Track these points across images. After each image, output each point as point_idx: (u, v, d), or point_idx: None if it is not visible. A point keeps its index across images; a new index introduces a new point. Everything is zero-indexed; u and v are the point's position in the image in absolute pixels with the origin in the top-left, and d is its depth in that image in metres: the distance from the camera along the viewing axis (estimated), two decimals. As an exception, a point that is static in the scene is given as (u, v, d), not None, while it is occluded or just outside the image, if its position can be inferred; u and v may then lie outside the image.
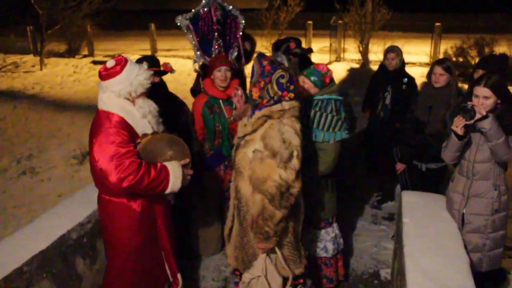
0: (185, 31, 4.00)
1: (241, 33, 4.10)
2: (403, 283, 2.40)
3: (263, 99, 2.43)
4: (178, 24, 4.00)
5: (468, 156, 2.88)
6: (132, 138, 2.54)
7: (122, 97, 2.57)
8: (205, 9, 3.81)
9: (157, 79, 3.26)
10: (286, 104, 2.42)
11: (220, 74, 3.50)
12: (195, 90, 4.30)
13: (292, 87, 2.41)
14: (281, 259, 2.61)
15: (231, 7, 3.97)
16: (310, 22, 14.66)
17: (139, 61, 3.13)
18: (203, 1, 3.85)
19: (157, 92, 3.05)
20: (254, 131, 2.45)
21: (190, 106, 3.74)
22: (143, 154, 2.54)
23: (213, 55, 3.94)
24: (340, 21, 14.10)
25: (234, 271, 3.00)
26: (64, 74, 12.90)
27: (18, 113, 9.11)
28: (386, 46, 12.64)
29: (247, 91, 2.62)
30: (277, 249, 2.58)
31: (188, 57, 13.74)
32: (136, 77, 2.55)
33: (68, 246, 2.93)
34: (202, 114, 3.62)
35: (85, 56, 15.81)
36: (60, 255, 2.87)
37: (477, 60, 10.77)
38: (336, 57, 14.20)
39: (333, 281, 3.36)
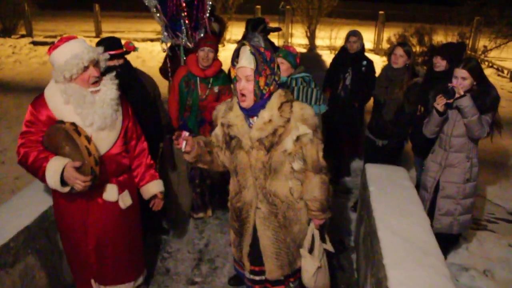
0: (153, 11, 4.03)
1: (208, 15, 4.20)
2: (375, 242, 2.68)
3: (270, 86, 2.22)
4: (146, 4, 4.02)
5: (446, 131, 3.30)
6: (48, 121, 2.43)
7: (54, 79, 2.44)
8: None
9: (120, 61, 3.20)
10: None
11: (203, 54, 3.64)
12: (164, 69, 4.40)
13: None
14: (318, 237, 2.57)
15: None
16: (258, 6, 14.80)
17: (99, 43, 3.07)
18: None
19: (123, 72, 3.00)
20: (288, 120, 2.23)
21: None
22: (47, 140, 2.44)
23: (182, 34, 4.04)
24: (288, 7, 14.39)
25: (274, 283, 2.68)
26: (1, 55, 12.19)
27: (-44, 95, 8.58)
28: (332, 32, 13.18)
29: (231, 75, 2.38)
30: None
31: (135, 39, 13.45)
32: (65, 60, 2.36)
33: (50, 222, 2.95)
34: (179, 85, 3.79)
35: (23, 36, 14.98)
36: (43, 231, 2.90)
37: (418, 47, 11.49)
38: (284, 41, 14.48)
39: None
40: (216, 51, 3.74)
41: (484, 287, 3.45)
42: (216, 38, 4.07)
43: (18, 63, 11.44)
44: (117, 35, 15.04)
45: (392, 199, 3.09)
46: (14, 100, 8.29)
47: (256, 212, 2.43)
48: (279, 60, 3.11)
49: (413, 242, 2.57)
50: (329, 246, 2.68)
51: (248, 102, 2.20)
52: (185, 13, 3.98)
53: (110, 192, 2.65)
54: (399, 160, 4.32)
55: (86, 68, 2.40)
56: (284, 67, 3.12)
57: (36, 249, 2.81)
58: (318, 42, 14.10)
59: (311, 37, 14.13)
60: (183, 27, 4.01)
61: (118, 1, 18.52)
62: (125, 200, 2.73)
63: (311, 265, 2.54)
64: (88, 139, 2.36)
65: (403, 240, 2.58)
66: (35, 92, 8.58)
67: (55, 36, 14.67)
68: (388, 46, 12.76)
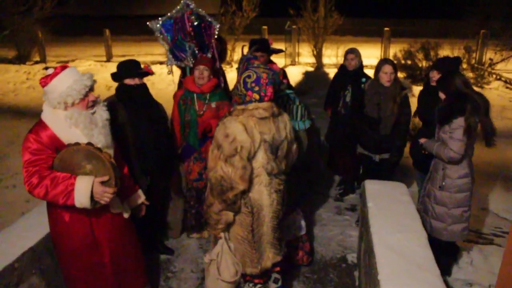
0: (157, 35, 4.17)
1: (215, 37, 4.34)
2: (372, 258, 2.70)
3: (235, 96, 2.68)
4: (150, 27, 4.17)
5: None
6: (54, 146, 2.53)
7: (53, 106, 2.54)
8: (179, 15, 4.01)
9: (140, 81, 3.40)
10: (250, 105, 2.58)
11: (198, 72, 3.82)
12: None
13: (256, 88, 2.56)
14: (228, 250, 2.78)
15: (204, 13, 4.18)
16: (265, 27, 15.02)
17: (120, 64, 3.37)
18: (178, 7, 4.04)
19: (141, 93, 3.30)
20: (217, 125, 2.68)
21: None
22: (60, 164, 2.52)
23: (187, 59, 4.18)
24: (294, 26, 14.58)
25: None
26: (16, 81, 12.53)
27: (-29, 121, 8.83)
28: (339, 50, 13.32)
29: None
30: (224, 239, 2.78)
31: (144, 62, 13.71)
32: (66, 87, 2.50)
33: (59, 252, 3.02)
34: (178, 104, 3.95)
35: (36, 62, 15.38)
36: (47, 252, 2.97)
37: (424, 62, 11.54)
38: (291, 61, 14.64)
39: (311, 255, 3.82)
40: (211, 69, 3.88)
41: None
42: (210, 58, 4.18)
43: (32, 89, 11.74)
44: (127, 58, 15.44)
45: (390, 215, 3.12)
46: (27, 124, 8.48)
47: None
48: None
49: (409, 257, 2.59)
50: (223, 267, 2.85)
51: None
52: (192, 40, 4.11)
53: (116, 204, 2.80)
54: (395, 173, 4.44)
55: (86, 93, 2.56)
56: None
57: (40, 269, 2.89)
58: (325, 60, 14.22)
59: (318, 56, 14.26)
60: (187, 49, 4.12)
61: (128, 26, 18.97)
62: (127, 210, 2.91)
63: (207, 255, 2.96)
64: (109, 155, 2.59)
65: (399, 256, 2.60)
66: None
67: (67, 61, 15.04)
68: (395, 62, 12.84)
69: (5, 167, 6.54)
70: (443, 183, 3.43)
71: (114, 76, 3.46)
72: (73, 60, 15.20)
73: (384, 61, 4.14)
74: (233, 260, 2.80)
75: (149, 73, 3.49)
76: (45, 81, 2.54)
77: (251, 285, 2.99)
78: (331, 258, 4.01)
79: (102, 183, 2.51)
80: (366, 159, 4.35)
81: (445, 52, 11.84)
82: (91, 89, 2.61)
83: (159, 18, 4.08)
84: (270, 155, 2.64)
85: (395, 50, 12.83)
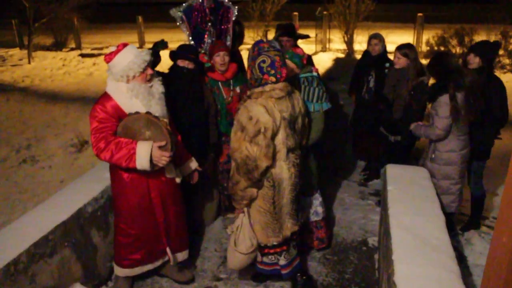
0: (179, 22, 4.22)
1: (232, 23, 4.35)
2: (388, 239, 2.74)
3: (251, 80, 2.84)
4: (172, 15, 4.23)
5: None
6: (117, 115, 2.85)
7: (116, 79, 2.87)
8: (199, 1, 4.06)
9: (191, 65, 3.59)
10: (267, 87, 2.78)
11: (219, 59, 3.82)
12: None
13: (272, 71, 2.77)
14: (248, 224, 2.99)
15: None
16: (296, 13, 14.93)
17: (180, 46, 3.68)
18: None
19: (186, 75, 3.56)
20: (238, 109, 2.84)
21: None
22: (123, 131, 2.84)
23: (205, 45, 4.22)
24: (325, 12, 14.42)
25: None
26: (53, 67, 12.99)
27: (11, 105, 9.25)
28: (370, 36, 13.05)
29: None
30: (246, 213, 2.99)
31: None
32: (128, 62, 2.80)
33: (85, 219, 3.21)
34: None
35: (72, 49, 15.87)
36: (78, 227, 3.16)
37: (457, 49, 11.23)
38: (322, 47, 14.53)
39: (324, 242, 3.80)
40: (229, 53, 3.93)
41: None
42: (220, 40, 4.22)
43: (68, 75, 12.16)
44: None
45: (408, 198, 3.14)
46: (62, 109, 8.85)
47: None
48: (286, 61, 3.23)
49: (424, 239, 2.61)
50: (240, 240, 3.04)
51: None
52: (209, 25, 4.16)
53: (170, 170, 3.11)
54: (409, 156, 4.51)
55: (145, 68, 2.88)
56: (290, 68, 3.26)
57: (72, 242, 3.07)
58: (356, 46, 14.03)
59: (349, 42, 14.08)
60: (207, 40, 4.17)
61: (161, 12, 19.21)
62: (179, 175, 3.23)
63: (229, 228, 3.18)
64: (166, 123, 2.90)
65: (414, 237, 2.63)
66: (81, 102, 9.19)
67: (101, 48, 15.45)
68: (428, 48, 12.55)
69: (42, 149, 6.87)
70: (433, 156, 3.72)
71: (170, 55, 3.71)
72: (107, 47, 15.51)
73: (397, 47, 4.21)
74: (250, 234, 2.98)
75: (199, 60, 3.68)
76: (109, 57, 2.85)
77: (270, 256, 3.18)
78: (352, 241, 4.06)
79: (160, 147, 2.81)
80: (383, 138, 4.47)
81: (480, 37, 11.47)
82: (149, 64, 2.89)
83: (180, 6, 4.14)
84: (289, 131, 2.85)
85: (429, 36, 12.52)
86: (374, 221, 4.36)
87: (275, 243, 3.06)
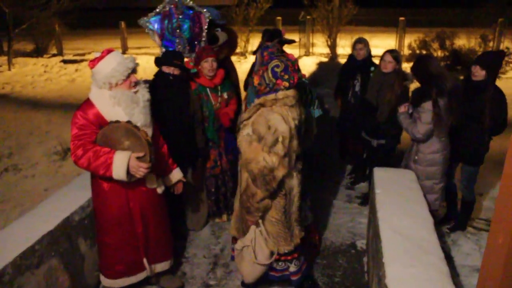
0: (148, 32, 4.18)
1: (206, 26, 4.24)
2: (378, 241, 2.76)
3: (261, 86, 2.76)
4: (141, 25, 4.18)
5: None
6: (98, 123, 2.80)
7: (99, 86, 2.81)
8: (166, 9, 4.03)
9: (176, 72, 3.57)
10: (280, 94, 2.72)
11: (208, 65, 3.82)
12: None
13: (286, 76, 2.72)
14: (265, 234, 2.92)
15: (192, 3, 4.12)
16: (279, 18, 14.99)
17: (164, 53, 3.68)
18: (165, 1, 4.04)
19: (172, 82, 3.54)
20: (249, 117, 2.77)
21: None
22: (102, 139, 2.79)
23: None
24: (308, 17, 14.53)
25: (233, 239, 3.32)
26: (34, 74, 12.78)
27: (-8, 113, 9.07)
28: (353, 41, 13.21)
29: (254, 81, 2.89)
30: (261, 224, 2.91)
31: (159, 54, 13.83)
32: (111, 69, 2.75)
33: (72, 228, 3.17)
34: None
35: (53, 55, 15.63)
36: (65, 236, 3.11)
37: (439, 52, 11.42)
38: (305, 51, 14.61)
39: (317, 246, 3.82)
40: (218, 60, 3.93)
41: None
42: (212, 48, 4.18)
43: (49, 81, 11.98)
44: (142, 50, 15.51)
45: (397, 201, 3.17)
46: (44, 116, 8.71)
47: None
48: None
49: (413, 241, 2.64)
50: (258, 252, 2.96)
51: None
52: (181, 34, 4.10)
53: (151, 180, 3.07)
54: (392, 159, 4.55)
55: (129, 75, 2.83)
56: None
57: (59, 252, 3.02)
58: (339, 50, 14.15)
59: (332, 46, 14.20)
60: (178, 47, 4.13)
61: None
62: (161, 186, 3.18)
63: (237, 243, 3.05)
64: (146, 133, 2.83)
65: (404, 239, 2.66)
66: (64, 108, 9.02)
67: (83, 54, 15.26)
68: (410, 52, 12.73)
69: (25, 157, 6.73)
70: (416, 157, 3.81)
71: (156, 61, 3.70)
72: (89, 53, 15.40)
73: (387, 50, 4.28)
74: (266, 243, 2.93)
75: (184, 66, 3.64)
76: (93, 63, 2.80)
77: (280, 263, 3.15)
78: (340, 244, 4.08)
79: (138, 158, 2.76)
80: (367, 144, 4.56)
81: (461, 41, 11.70)
82: (134, 71, 2.85)
83: (148, 15, 4.10)
84: (298, 138, 2.83)
85: (411, 40, 12.70)
86: (362, 224, 4.39)
87: (286, 251, 3.04)
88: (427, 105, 3.54)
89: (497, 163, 5.35)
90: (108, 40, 17.02)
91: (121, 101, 2.78)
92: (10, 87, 11.33)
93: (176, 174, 3.37)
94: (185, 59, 4.01)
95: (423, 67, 3.62)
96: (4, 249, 2.69)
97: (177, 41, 4.13)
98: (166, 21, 4.07)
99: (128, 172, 2.75)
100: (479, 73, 3.66)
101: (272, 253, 2.98)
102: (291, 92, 2.75)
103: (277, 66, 2.72)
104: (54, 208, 3.20)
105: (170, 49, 4.08)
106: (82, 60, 14.21)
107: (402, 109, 3.88)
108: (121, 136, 2.78)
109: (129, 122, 2.79)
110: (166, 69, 3.58)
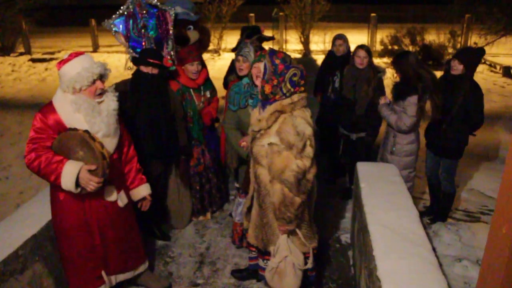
0: (113, 34, 4.08)
1: (172, 25, 4.11)
2: (366, 235, 2.81)
3: (275, 95, 2.62)
4: (106, 27, 4.07)
5: None
6: (57, 128, 2.64)
7: (63, 89, 2.66)
8: (130, 9, 3.95)
9: (155, 71, 3.50)
10: (295, 97, 2.64)
11: (193, 68, 3.84)
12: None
13: (303, 81, 2.65)
14: (302, 238, 2.85)
15: (156, 2, 4.01)
16: (252, 14, 15.00)
17: (142, 51, 3.59)
18: (128, 1, 3.93)
19: (153, 82, 3.46)
20: (269, 127, 2.64)
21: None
22: (58, 145, 2.64)
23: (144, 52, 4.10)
24: (281, 13, 14.59)
25: (249, 246, 3.28)
26: (1, 73, 12.39)
27: (-41, 115, 8.74)
28: (326, 36, 13.35)
29: (259, 88, 2.77)
30: (297, 230, 2.83)
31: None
32: (75, 73, 2.59)
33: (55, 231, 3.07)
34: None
35: (21, 54, 15.18)
36: (49, 239, 3.03)
37: (410, 47, 11.67)
38: (279, 48, 14.65)
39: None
40: (202, 61, 3.93)
41: (478, 276, 3.55)
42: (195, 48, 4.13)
43: (18, 81, 11.63)
44: (114, 49, 15.24)
45: (382, 194, 3.23)
46: (16, 117, 8.46)
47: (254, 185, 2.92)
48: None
49: (402, 234, 2.70)
50: (296, 259, 2.86)
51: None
52: (143, 31, 4.01)
53: (110, 193, 2.89)
54: (371, 152, 4.71)
55: (94, 81, 2.66)
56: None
57: (43, 256, 2.95)
58: (312, 46, 14.29)
59: (306, 42, 14.32)
60: (141, 45, 4.03)
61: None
62: (123, 199, 2.99)
63: (270, 263, 2.91)
64: (102, 145, 2.65)
65: (392, 232, 2.71)
66: (36, 109, 8.72)
67: (53, 53, 14.87)
68: (382, 47, 12.97)
69: (-3, 159, 6.52)
70: (393, 149, 3.98)
71: (133, 61, 3.64)
72: (59, 51, 15.04)
73: (359, 46, 4.38)
74: (298, 247, 2.89)
75: (163, 65, 3.57)
76: (59, 65, 2.67)
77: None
78: (325, 239, 4.12)
79: (90, 171, 2.59)
80: (345, 138, 4.69)
81: (431, 37, 11.99)
82: (102, 77, 2.70)
83: (112, 16, 4.00)
84: None
85: (382, 35, 12.93)
86: (346, 218, 4.46)
87: (313, 248, 2.98)
88: (413, 99, 3.70)
89: (474, 156, 5.51)
90: (78, 38, 16.66)
91: (81, 108, 2.62)
92: (-24, 88, 10.95)
93: (142, 190, 3.19)
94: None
95: (406, 63, 3.73)
96: (-14, 256, 2.60)
97: (144, 41, 4.03)
98: (131, 21, 3.96)
99: (77, 184, 2.58)
100: (457, 67, 3.79)
101: (304, 256, 2.93)
102: (304, 95, 2.69)
103: (295, 74, 2.61)
104: (35, 212, 3.11)
105: (138, 50, 3.96)
106: (51, 59, 13.85)
107: (382, 100, 4.02)
108: (75, 146, 2.62)
109: (86, 131, 2.62)
110: (144, 68, 3.50)
